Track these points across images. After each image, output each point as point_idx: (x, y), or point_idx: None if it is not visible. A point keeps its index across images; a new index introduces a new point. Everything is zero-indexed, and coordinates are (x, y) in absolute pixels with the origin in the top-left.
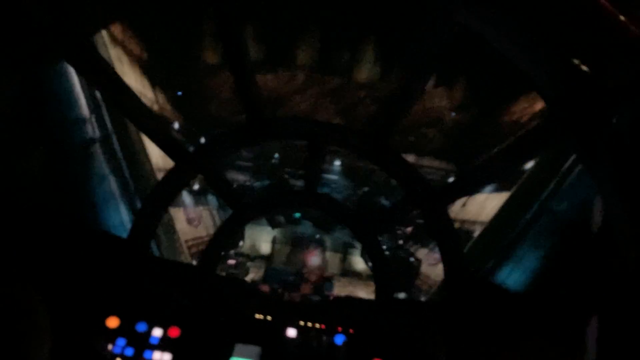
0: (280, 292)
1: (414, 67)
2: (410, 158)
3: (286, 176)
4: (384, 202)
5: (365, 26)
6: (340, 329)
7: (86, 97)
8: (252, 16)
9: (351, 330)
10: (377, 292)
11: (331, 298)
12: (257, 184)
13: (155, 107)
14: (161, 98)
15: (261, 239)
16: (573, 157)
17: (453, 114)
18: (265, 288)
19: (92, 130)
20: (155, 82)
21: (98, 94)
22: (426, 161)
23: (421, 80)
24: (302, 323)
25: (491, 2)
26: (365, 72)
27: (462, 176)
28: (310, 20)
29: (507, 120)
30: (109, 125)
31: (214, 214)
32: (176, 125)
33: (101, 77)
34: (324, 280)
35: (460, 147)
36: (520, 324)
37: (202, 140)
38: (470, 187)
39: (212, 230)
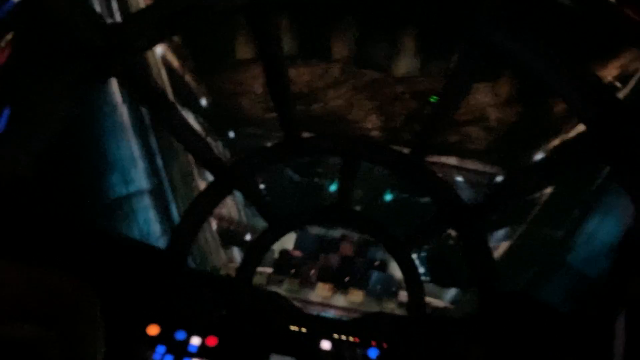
0: (314, 256)
1: (448, 82)
2: (453, 161)
3: (316, 179)
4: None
5: (404, 16)
6: (374, 343)
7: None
8: (286, 5)
9: (385, 345)
10: (410, 307)
11: (376, 264)
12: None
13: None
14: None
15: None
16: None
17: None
18: (297, 253)
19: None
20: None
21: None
22: (470, 164)
23: (456, 96)
24: (336, 336)
25: (526, 24)
26: (404, 65)
27: (495, 192)
28: (347, 9)
29: (556, 113)
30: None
31: (239, 207)
32: (203, 102)
33: (149, 95)
34: (369, 245)
35: (506, 147)
36: (556, 341)
37: (231, 134)
38: (503, 204)
39: (233, 212)
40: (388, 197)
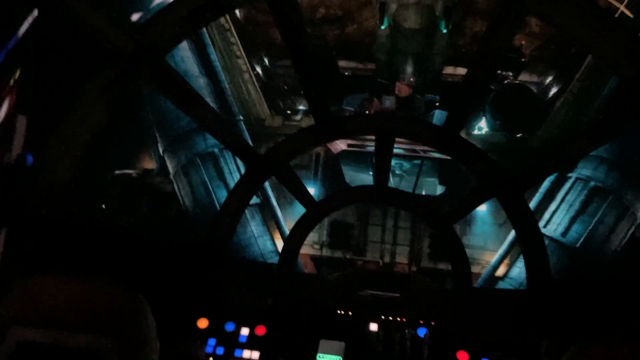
0: (364, 106)
1: (480, 55)
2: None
3: None
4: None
5: None
6: (421, 321)
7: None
8: None
9: (432, 322)
10: (456, 282)
11: (437, 104)
12: None
13: None
14: None
15: None
16: None
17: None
18: (348, 109)
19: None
20: None
21: None
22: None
23: (491, 67)
24: (383, 317)
25: None
26: None
27: (538, 160)
28: None
29: None
30: None
31: None
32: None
33: (178, 92)
34: (414, 97)
35: (552, 52)
36: (612, 316)
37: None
38: (546, 171)
39: None
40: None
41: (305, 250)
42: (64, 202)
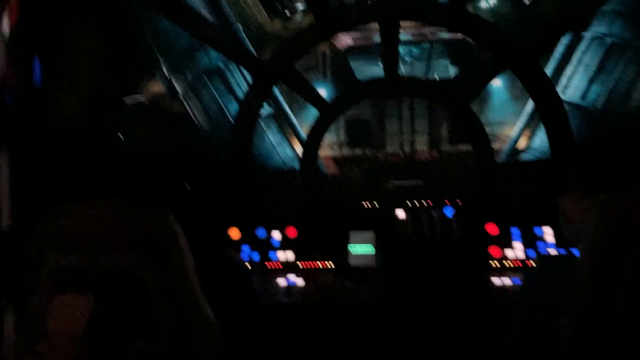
0: None
1: None
2: None
3: None
4: None
5: None
6: (447, 201)
7: None
8: None
9: (459, 201)
10: (478, 161)
11: None
12: None
13: None
14: None
15: None
16: None
17: None
18: None
19: None
20: None
21: None
22: None
23: None
24: (409, 203)
25: None
26: None
27: (549, 24)
28: None
29: None
30: None
31: None
32: None
33: (171, 7)
34: None
35: None
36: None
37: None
38: (558, 32)
39: None
40: None
41: (325, 152)
42: (79, 135)
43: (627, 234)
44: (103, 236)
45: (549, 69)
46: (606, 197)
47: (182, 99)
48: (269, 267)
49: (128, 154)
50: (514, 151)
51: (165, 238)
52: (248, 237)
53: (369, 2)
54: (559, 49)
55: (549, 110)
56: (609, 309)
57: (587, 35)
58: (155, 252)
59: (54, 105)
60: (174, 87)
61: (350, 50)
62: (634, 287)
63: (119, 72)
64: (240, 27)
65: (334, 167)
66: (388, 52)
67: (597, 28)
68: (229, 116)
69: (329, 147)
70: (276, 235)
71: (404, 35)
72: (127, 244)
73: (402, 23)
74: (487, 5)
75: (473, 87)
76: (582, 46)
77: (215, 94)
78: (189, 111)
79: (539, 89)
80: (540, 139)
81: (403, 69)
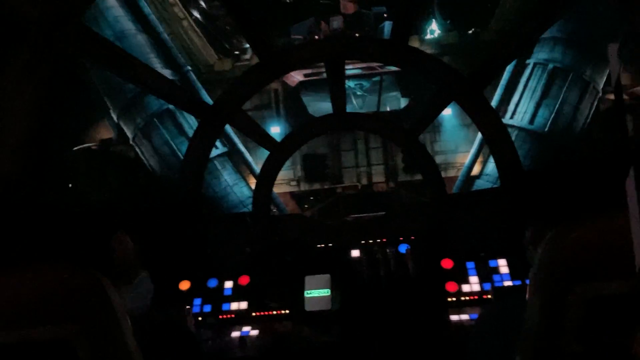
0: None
1: None
2: None
3: None
4: None
5: None
6: (401, 238)
7: None
8: None
9: (412, 237)
10: (430, 193)
11: (385, 15)
12: None
13: None
14: None
15: None
16: None
17: None
18: (297, 36)
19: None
20: None
21: None
22: None
23: None
24: (363, 242)
25: None
26: None
27: (491, 54)
28: None
29: None
30: None
31: None
32: None
33: (108, 55)
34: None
35: None
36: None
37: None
38: (500, 62)
39: None
40: None
41: (283, 189)
42: (18, 194)
43: (571, 269)
44: (30, 308)
45: (496, 96)
46: (549, 231)
47: (132, 143)
48: (221, 318)
49: (68, 204)
50: (469, 178)
51: (97, 302)
52: (199, 288)
53: (318, 38)
54: (505, 75)
55: (495, 138)
56: (559, 349)
57: (530, 61)
58: (88, 319)
59: None
60: (123, 131)
61: (302, 85)
62: (582, 325)
63: (64, 120)
64: (191, 69)
65: (293, 204)
66: (335, 89)
67: (540, 54)
68: (181, 158)
69: (286, 184)
70: (229, 284)
71: (354, 70)
72: (56, 313)
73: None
74: (432, 37)
75: (420, 120)
76: (526, 72)
77: (167, 136)
78: (140, 155)
79: (483, 118)
80: (493, 165)
81: (355, 103)
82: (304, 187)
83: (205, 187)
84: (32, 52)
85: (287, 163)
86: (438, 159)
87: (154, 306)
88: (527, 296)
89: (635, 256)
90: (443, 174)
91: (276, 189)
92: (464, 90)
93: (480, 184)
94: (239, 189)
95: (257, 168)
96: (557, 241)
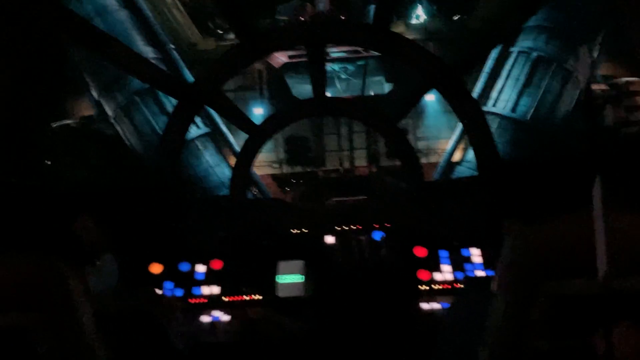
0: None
1: None
2: None
3: None
4: None
5: None
6: (376, 225)
7: None
8: None
9: (387, 225)
10: (408, 180)
11: None
12: None
13: None
14: None
15: None
16: None
17: None
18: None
19: None
20: None
21: None
22: None
23: None
24: (338, 228)
25: None
26: None
27: (473, 41)
28: None
29: None
30: None
31: None
32: None
33: (85, 35)
34: None
35: None
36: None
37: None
38: (481, 50)
39: None
40: None
41: (265, 171)
42: None
43: (537, 267)
44: None
45: (479, 84)
46: (521, 225)
47: (112, 121)
48: (193, 303)
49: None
50: (450, 165)
51: (54, 289)
52: (171, 272)
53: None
54: (489, 63)
55: (473, 127)
56: (524, 345)
57: (514, 50)
58: (45, 308)
59: None
60: (103, 109)
61: (286, 67)
62: (547, 323)
63: (42, 97)
64: (174, 47)
65: (274, 186)
66: (316, 73)
67: (524, 42)
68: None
69: (269, 166)
70: (201, 268)
71: (338, 53)
72: (14, 301)
73: None
74: (417, 22)
75: (401, 107)
76: (510, 61)
77: (149, 115)
78: (121, 133)
79: (463, 106)
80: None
81: (339, 86)
82: (286, 169)
83: (185, 166)
84: (8, 31)
85: (270, 145)
86: (420, 145)
87: (121, 288)
88: (492, 287)
89: (597, 257)
90: (425, 160)
91: (258, 171)
92: (443, 77)
93: (461, 171)
94: (220, 170)
95: (239, 149)
96: (525, 238)
